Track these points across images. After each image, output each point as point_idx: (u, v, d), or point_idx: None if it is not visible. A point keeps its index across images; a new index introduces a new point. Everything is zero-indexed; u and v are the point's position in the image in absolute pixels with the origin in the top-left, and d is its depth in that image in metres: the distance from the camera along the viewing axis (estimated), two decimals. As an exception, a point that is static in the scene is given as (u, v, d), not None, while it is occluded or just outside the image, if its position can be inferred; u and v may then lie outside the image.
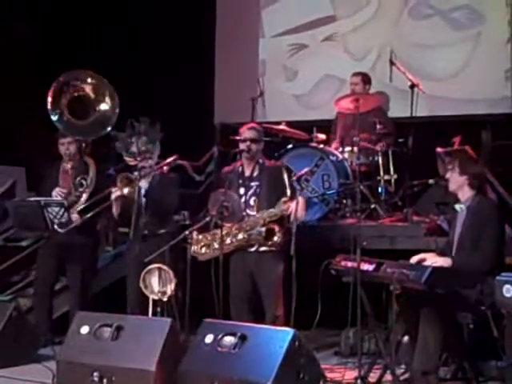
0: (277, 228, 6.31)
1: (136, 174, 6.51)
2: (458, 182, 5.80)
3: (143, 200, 6.69)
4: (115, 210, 6.65)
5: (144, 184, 6.71)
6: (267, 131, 7.47)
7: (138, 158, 6.60)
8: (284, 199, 6.32)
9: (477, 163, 5.94)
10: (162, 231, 6.64)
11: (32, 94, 7.24)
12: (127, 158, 6.68)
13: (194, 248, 6.47)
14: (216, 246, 6.41)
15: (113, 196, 6.57)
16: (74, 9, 9.99)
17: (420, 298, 5.52)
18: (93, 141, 7.37)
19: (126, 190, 6.50)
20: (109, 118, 7.14)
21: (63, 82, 7.15)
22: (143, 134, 6.66)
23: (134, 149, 6.66)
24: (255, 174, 6.59)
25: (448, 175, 5.85)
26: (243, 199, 6.50)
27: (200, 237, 6.51)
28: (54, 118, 7.06)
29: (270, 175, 6.51)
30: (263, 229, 6.32)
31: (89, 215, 6.81)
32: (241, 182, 6.58)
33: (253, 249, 6.43)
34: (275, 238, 6.32)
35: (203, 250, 6.50)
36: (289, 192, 6.38)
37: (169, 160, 6.75)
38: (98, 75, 7.23)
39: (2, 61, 9.56)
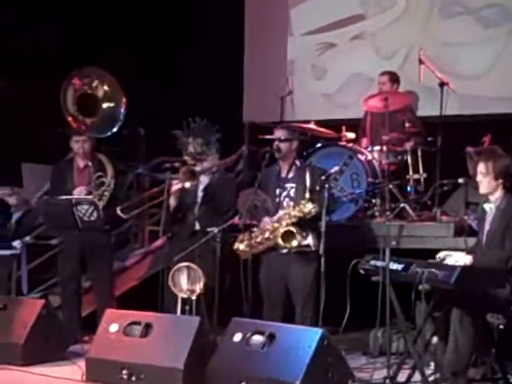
0: (295, 231, 6.24)
1: (198, 168, 6.62)
2: (491, 186, 5.75)
3: (200, 194, 6.76)
4: (173, 203, 6.69)
5: (204, 179, 6.79)
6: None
7: (195, 159, 6.69)
8: (302, 201, 6.30)
9: (508, 164, 5.89)
10: (212, 229, 6.54)
11: (56, 96, 7.29)
12: (186, 158, 6.75)
13: (239, 246, 6.44)
14: (252, 242, 6.35)
15: (173, 188, 6.61)
16: (99, 11, 10.04)
17: (449, 299, 5.49)
18: (122, 140, 7.42)
19: (188, 184, 6.54)
20: (115, 118, 7.19)
21: (73, 79, 7.21)
22: (199, 135, 6.72)
23: (191, 149, 6.72)
24: (290, 175, 6.57)
25: (479, 178, 5.78)
26: (277, 200, 6.49)
27: (244, 236, 6.46)
28: (69, 118, 7.13)
29: (302, 178, 6.47)
30: (282, 230, 6.28)
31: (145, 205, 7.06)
32: (277, 182, 6.56)
33: (285, 250, 6.40)
34: (294, 243, 6.25)
35: (244, 247, 6.42)
36: (308, 195, 6.31)
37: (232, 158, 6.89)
38: (110, 75, 7.28)
39: (32, 63, 9.63)
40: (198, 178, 6.60)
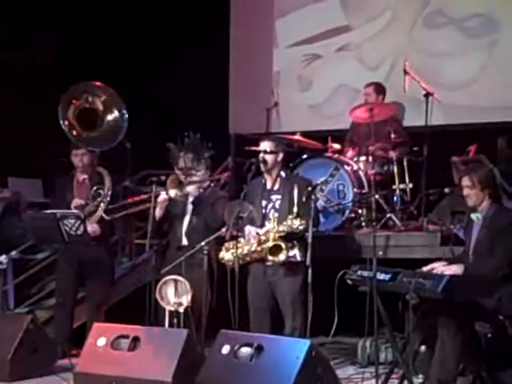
0: (284, 246, 6.23)
1: (187, 180, 6.61)
2: (479, 198, 5.78)
3: (189, 208, 6.73)
4: (158, 213, 6.67)
5: (193, 191, 6.75)
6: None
7: (185, 173, 6.67)
8: (290, 217, 6.28)
9: (492, 172, 5.92)
10: (199, 244, 6.41)
11: (50, 106, 7.28)
12: (177, 172, 6.73)
13: (224, 256, 6.38)
14: (239, 252, 6.30)
15: (160, 198, 6.59)
16: (94, 22, 10.07)
17: (437, 308, 5.50)
18: (109, 153, 7.40)
19: (172, 193, 6.51)
20: (119, 129, 7.18)
21: (72, 94, 7.19)
22: (190, 150, 6.71)
23: (181, 163, 6.72)
24: (276, 187, 6.55)
25: (466, 192, 5.80)
26: (263, 211, 6.48)
27: (229, 245, 6.41)
28: (65, 128, 7.10)
29: (288, 189, 6.45)
30: (270, 244, 6.27)
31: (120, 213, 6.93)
32: (263, 194, 6.54)
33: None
34: (281, 257, 6.22)
35: (230, 257, 6.36)
36: (296, 209, 6.31)
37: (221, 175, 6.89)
38: (108, 87, 7.27)
39: (21, 74, 9.62)
40: (184, 187, 6.57)
